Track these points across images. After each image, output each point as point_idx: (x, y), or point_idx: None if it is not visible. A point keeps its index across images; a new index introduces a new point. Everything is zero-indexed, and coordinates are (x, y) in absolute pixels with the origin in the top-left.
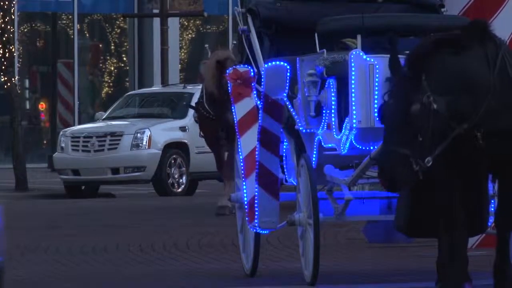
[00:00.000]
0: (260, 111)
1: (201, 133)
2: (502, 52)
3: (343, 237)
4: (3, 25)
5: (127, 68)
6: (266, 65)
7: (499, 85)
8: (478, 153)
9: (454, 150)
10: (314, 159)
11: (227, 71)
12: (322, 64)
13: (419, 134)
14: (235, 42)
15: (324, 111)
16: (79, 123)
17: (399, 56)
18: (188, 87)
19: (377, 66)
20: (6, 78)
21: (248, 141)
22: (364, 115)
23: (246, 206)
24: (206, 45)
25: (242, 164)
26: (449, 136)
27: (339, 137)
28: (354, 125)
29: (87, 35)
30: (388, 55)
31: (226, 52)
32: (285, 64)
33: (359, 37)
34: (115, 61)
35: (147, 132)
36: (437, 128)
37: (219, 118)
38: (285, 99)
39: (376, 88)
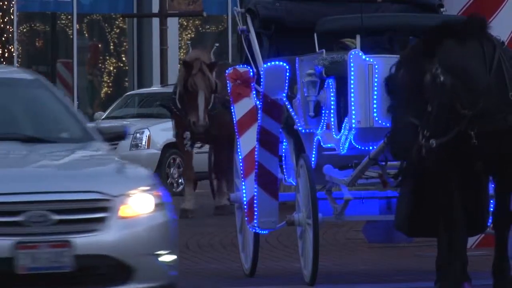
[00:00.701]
0: (259, 111)
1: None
2: (498, 53)
3: (342, 237)
4: (2, 25)
5: (126, 68)
6: (265, 65)
7: (494, 84)
8: (473, 152)
9: (452, 149)
10: (313, 159)
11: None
12: (321, 64)
13: (428, 105)
14: (217, 44)
15: (323, 111)
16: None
17: (395, 56)
18: None
19: (376, 66)
20: None
21: (247, 141)
22: (363, 115)
23: (245, 206)
24: (188, 42)
25: (241, 164)
26: (453, 131)
27: (338, 137)
28: (353, 125)
29: (86, 35)
30: (388, 55)
31: (197, 53)
32: (284, 64)
33: (358, 37)
34: (114, 61)
35: (146, 132)
36: (444, 103)
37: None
38: (284, 99)
39: (375, 88)
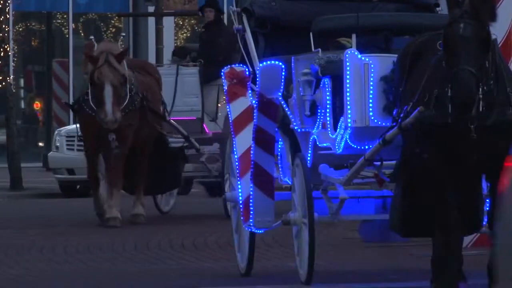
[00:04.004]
0: (255, 111)
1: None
2: (498, 51)
3: (338, 237)
4: None
5: None
6: (261, 65)
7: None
8: (471, 148)
9: (450, 147)
10: (309, 158)
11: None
12: (317, 63)
13: (487, 62)
14: (123, 34)
15: (319, 111)
16: (74, 122)
17: (393, 55)
18: None
19: (372, 65)
20: (1, 78)
21: (243, 141)
22: (359, 114)
23: (241, 206)
24: (92, 37)
25: (237, 163)
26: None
27: (334, 136)
28: (349, 124)
29: (82, 34)
30: (383, 55)
31: (104, 46)
32: (280, 64)
33: (354, 36)
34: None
35: None
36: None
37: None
38: (280, 98)
39: (371, 87)
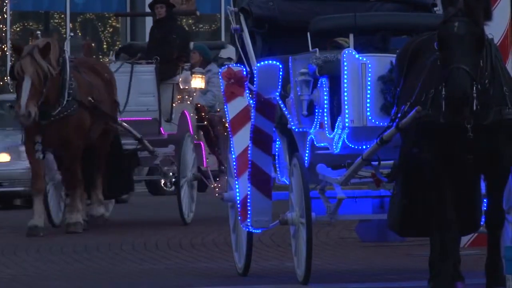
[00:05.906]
0: (252, 110)
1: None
2: (494, 52)
3: (335, 236)
4: None
5: None
6: (258, 64)
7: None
8: (467, 147)
9: (447, 147)
10: (306, 158)
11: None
12: (314, 63)
13: (481, 60)
14: (72, 34)
15: (316, 110)
16: None
17: (390, 55)
18: None
19: (369, 65)
20: None
21: (240, 140)
22: (357, 114)
23: (238, 205)
24: (38, 32)
25: (234, 163)
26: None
27: (331, 136)
28: (347, 124)
29: (80, 34)
30: (381, 54)
31: (41, 40)
32: (278, 63)
33: (351, 36)
34: (107, 60)
35: None
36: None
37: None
38: (277, 98)
39: (369, 87)
